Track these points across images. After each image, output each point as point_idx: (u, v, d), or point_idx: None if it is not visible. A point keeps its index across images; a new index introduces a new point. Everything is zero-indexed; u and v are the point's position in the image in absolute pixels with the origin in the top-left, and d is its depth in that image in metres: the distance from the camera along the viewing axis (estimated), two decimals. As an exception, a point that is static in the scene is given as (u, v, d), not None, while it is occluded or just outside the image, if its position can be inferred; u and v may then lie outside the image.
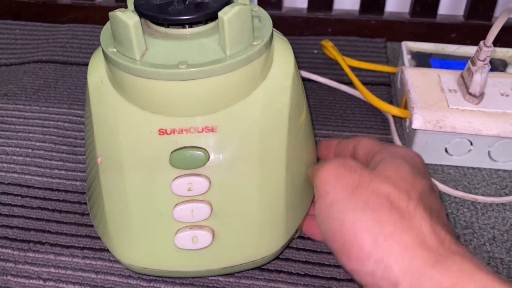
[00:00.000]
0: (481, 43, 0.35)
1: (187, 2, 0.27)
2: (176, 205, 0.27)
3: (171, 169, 0.27)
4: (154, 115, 0.27)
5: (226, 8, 0.25)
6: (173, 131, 0.27)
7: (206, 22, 0.27)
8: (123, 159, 0.28)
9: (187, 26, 0.27)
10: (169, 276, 0.31)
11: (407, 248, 0.22)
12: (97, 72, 0.30)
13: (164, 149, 0.27)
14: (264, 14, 0.30)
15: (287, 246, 0.32)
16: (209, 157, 0.27)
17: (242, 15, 0.26)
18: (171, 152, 0.27)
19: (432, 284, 0.21)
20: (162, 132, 0.27)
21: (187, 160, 0.27)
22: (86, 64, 0.31)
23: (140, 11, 0.27)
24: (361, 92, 0.44)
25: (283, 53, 0.30)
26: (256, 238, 0.29)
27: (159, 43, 0.27)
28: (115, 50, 0.27)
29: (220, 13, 0.25)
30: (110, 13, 0.26)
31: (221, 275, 0.32)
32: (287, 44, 0.31)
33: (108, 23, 0.29)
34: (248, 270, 0.32)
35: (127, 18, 0.25)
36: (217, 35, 0.27)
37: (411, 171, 0.26)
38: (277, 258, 0.32)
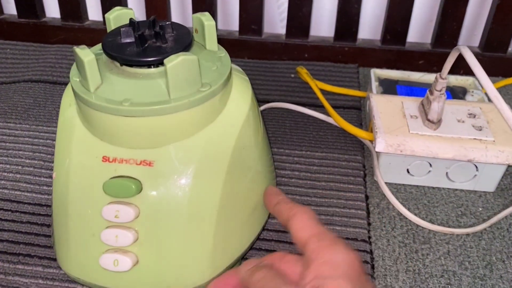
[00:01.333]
0: (437, 75, 0.39)
1: (146, 45, 0.30)
2: (105, 228, 0.30)
3: (104, 195, 0.30)
4: (101, 142, 0.30)
5: (172, 57, 0.27)
6: (114, 160, 0.30)
7: (157, 65, 0.30)
8: (70, 177, 0.31)
9: (142, 66, 0.30)
10: None
11: None
12: (69, 94, 0.33)
13: (103, 175, 0.30)
14: (226, 61, 0.32)
15: None
16: (141, 189, 0.29)
17: (186, 65, 0.28)
18: (108, 179, 0.29)
19: None
20: (105, 159, 0.30)
21: (117, 188, 0.29)
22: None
23: (103, 48, 0.30)
24: (332, 116, 0.48)
25: (238, 97, 0.32)
26: (178, 270, 0.30)
27: (114, 79, 0.30)
28: (78, 80, 0.30)
29: (165, 61, 0.28)
30: (73, 48, 0.29)
31: None
32: (246, 86, 0.34)
33: None
34: None
35: (83, 55, 0.28)
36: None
37: None
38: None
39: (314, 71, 0.57)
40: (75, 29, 0.63)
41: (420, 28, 0.62)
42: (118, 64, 0.31)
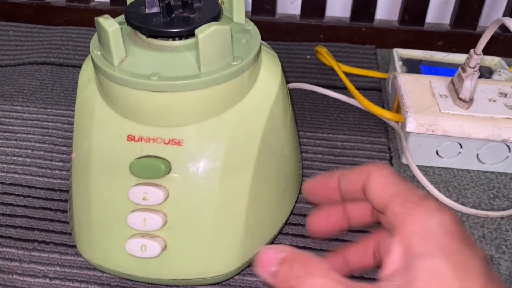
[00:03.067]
0: (472, 51, 0.37)
1: (173, 15, 0.28)
2: (131, 212, 0.28)
3: (131, 176, 0.28)
4: (126, 120, 0.28)
5: (203, 27, 0.25)
6: (140, 139, 0.28)
7: (187, 37, 0.28)
8: (91, 158, 0.29)
9: (169, 38, 0.28)
10: (123, 277, 0.31)
11: None
12: (87, 71, 0.31)
13: (129, 155, 0.28)
14: (255, 33, 0.30)
15: (245, 268, 0.32)
16: (170, 169, 0.27)
17: (218, 35, 0.26)
18: (134, 160, 0.27)
19: None
20: (130, 138, 0.28)
21: (145, 169, 0.27)
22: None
23: (127, 19, 0.28)
24: (356, 97, 0.46)
25: (268, 73, 0.30)
26: (208, 256, 0.29)
27: (139, 52, 0.28)
28: (99, 53, 0.28)
29: (196, 31, 0.25)
30: (95, 18, 0.27)
31: (175, 285, 0.31)
32: (275, 62, 0.31)
33: None
34: (201, 285, 0.31)
35: (107, 25, 0.26)
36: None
37: (457, 273, 0.19)
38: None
39: (331, 53, 0.55)
40: (80, 10, 0.60)
41: (438, 8, 0.60)
42: (143, 36, 0.29)
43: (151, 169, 0.27)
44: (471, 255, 0.19)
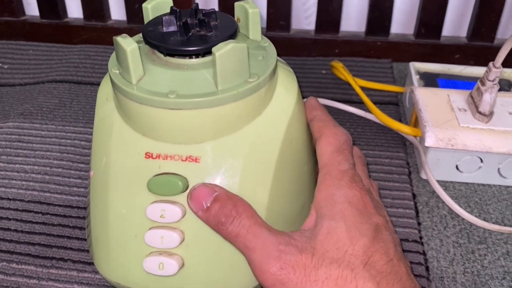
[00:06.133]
0: (491, 64, 0.37)
1: (190, 34, 0.28)
2: (149, 229, 0.28)
3: (149, 193, 0.28)
4: (144, 137, 0.28)
5: (221, 45, 0.26)
6: (158, 156, 0.28)
7: (204, 55, 0.28)
8: (109, 175, 0.29)
9: (186, 56, 0.28)
10: None
11: None
12: (106, 89, 0.31)
13: (147, 173, 0.28)
14: (271, 50, 0.31)
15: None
16: (187, 186, 0.27)
17: (235, 53, 0.26)
18: (152, 177, 0.27)
19: None
20: (148, 155, 0.28)
21: (163, 186, 0.27)
22: (99, 84, 0.32)
23: (144, 38, 0.28)
24: (373, 112, 0.46)
25: (284, 88, 0.30)
26: (226, 274, 0.28)
27: (157, 70, 0.28)
28: (118, 72, 0.28)
29: (213, 49, 0.26)
30: (114, 38, 0.27)
31: None
32: (291, 78, 0.32)
33: None
34: None
35: (126, 45, 0.26)
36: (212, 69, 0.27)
37: (349, 233, 0.25)
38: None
39: (346, 67, 0.55)
40: (98, 28, 0.61)
41: (454, 21, 0.59)
42: (160, 55, 0.29)
43: (168, 186, 0.27)
44: (363, 221, 0.26)
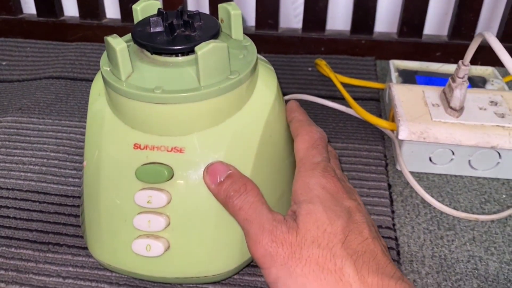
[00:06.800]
0: (460, 62, 0.39)
1: (175, 34, 0.31)
2: (137, 214, 0.30)
3: (137, 181, 0.30)
4: (132, 130, 0.30)
5: (203, 44, 0.28)
6: (146, 147, 0.30)
7: (188, 53, 0.31)
8: (101, 165, 0.31)
9: (172, 55, 0.31)
10: (129, 276, 0.33)
11: None
12: (98, 85, 0.33)
13: (135, 162, 0.30)
14: (252, 49, 0.33)
15: (243, 268, 0.34)
16: (173, 175, 0.30)
17: (216, 52, 0.28)
18: (140, 166, 0.30)
19: None
20: (136, 146, 0.30)
21: (149, 174, 0.30)
22: (94, 80, 0.35)
23: (133, 37, 0.31)
24: (353, 107, 0.48)
25: (264, 85, 0.33)
26: (208, 255, 0.31)
27: (144, 67, 0.30)
28: (108, 69, 0.31)
29: (196, 48, 0.28)
30: (104, 38, 0.29)
31: (179, 284, 0.34)
32: (271, 75, 0.34)
33: None
34: (202, 284, 0.34)
35: (115, 44, 0.28)
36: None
37: (326, 213, 0.27)
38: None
39: (331, 64, 0.57)
40: (93, 26, 0.64)
41: (436, 20, 0.62)
42: (148, 53, 0.31)
43: (155, 174, 0.30)
44: (337, 204, 0.28)
